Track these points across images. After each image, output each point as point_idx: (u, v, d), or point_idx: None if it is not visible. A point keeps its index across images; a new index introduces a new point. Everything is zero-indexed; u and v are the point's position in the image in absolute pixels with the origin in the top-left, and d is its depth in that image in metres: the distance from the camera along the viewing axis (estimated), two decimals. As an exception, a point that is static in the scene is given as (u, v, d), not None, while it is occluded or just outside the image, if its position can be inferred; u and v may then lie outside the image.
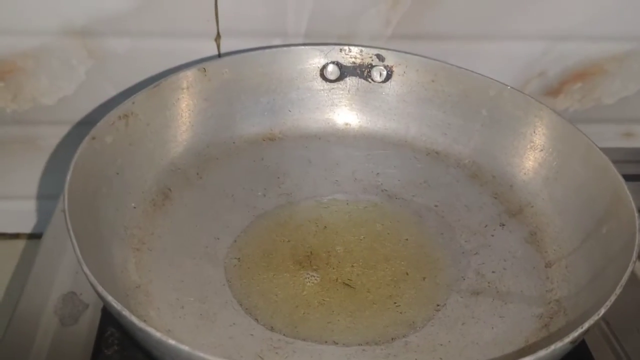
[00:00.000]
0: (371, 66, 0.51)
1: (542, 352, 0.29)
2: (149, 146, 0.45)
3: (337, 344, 0.37)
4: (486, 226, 0.45)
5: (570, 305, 0.39)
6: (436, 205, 0.47)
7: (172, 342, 0.28)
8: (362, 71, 0.51)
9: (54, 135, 0.57)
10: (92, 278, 0.31)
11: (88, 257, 0.33)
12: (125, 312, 0.30)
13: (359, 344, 0.37)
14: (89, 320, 0.41)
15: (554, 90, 0.57)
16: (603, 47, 0.55)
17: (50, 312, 0.42)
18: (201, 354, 0.28)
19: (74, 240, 0.33)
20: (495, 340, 0.38)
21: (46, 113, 0.55)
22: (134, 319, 0.29)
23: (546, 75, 0.56)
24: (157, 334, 0.29)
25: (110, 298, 0.30)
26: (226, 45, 0.52)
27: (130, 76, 0.53)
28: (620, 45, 0.55)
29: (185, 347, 0.28)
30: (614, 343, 0.41)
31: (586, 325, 0.31)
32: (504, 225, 0.46)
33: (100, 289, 0.31)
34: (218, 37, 0.52)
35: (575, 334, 0.30)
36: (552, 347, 0.30)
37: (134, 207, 0.43)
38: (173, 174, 0.46)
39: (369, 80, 0.51)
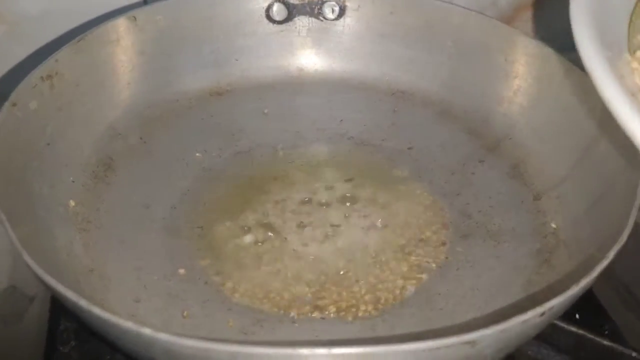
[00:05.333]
0: (322, 2, 0.46)
1: (574, 290, 0.26)
2: (82, 110, 0.40)
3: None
4: (464, 164, 0.42)
5: (569, 237, 0.36)
6: (409, 148, 0.43)
7: (130, 324, 0.24)
8: (312, 8, 0.47)
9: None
10: (28, 259, 0.26)
11: (23, 240, 0.28)
12: (70, 294, 0.25)
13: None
14: (37, 316, 0.36)
15: (507, 19, 0.54)
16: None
17: (-13, 312, 0.36)
18: (165, 336, 0.23)
19: (3, 216, 0.28)
20: (496, 283, 0.35)
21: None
22: (82, 303, 0.25)
23: (499, 4, 0.53)
24: (113, 318, 0.24)
25: (53, 281, 0.25)
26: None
27: (48, 41, 0.47)
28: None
29: (146, 330, 0.24)
30: (621, 290, 0.39)
31: (615, 249, 0.28)
32: (483, 161, 0.42)
33: (40, 271, 0.26)
34: (147, -11, 0.46)
35: (605, 262, 0.27)
36: (584, 281, 0.26)
37: (73, 182, 0.38)
38: (113, 140, 0.41)
39: (321, 18, 0.47)
